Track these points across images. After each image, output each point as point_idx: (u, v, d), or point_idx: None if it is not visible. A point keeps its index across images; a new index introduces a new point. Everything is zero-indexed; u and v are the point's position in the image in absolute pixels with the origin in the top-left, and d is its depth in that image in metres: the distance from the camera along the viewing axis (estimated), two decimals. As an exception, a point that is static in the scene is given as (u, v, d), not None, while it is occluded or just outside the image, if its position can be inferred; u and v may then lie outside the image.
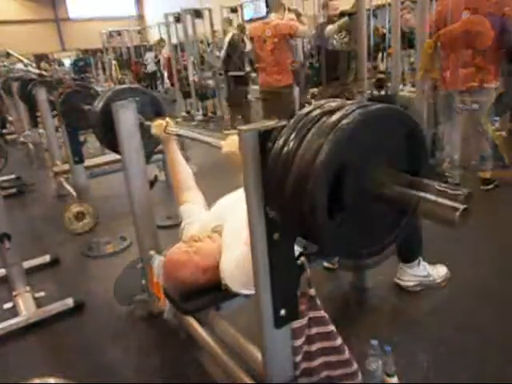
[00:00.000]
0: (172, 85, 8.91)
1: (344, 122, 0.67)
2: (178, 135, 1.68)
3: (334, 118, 0.70)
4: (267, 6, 16.53)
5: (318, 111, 0.75)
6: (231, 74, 5.99)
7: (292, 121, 0.77)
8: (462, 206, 0.62)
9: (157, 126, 1.74)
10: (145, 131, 1.84)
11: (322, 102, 0.79)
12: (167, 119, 1.75)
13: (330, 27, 4.18)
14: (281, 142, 0.76)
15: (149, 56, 10.51)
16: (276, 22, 3.92)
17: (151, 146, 2.01)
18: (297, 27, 3.90)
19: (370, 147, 0.71)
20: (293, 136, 0.74)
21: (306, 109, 0.78)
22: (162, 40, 9.76)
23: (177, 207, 1.76)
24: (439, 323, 1.84)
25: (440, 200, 0.65)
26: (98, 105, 1.91)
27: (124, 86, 2.07)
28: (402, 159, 0.77)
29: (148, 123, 1.82)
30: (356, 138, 0.68)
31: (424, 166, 0.79)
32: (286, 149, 0.73)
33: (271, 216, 0.81)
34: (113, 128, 1.73)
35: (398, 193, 0.70)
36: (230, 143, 1.18)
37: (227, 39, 6.01)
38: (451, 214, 0.63)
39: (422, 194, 0.67)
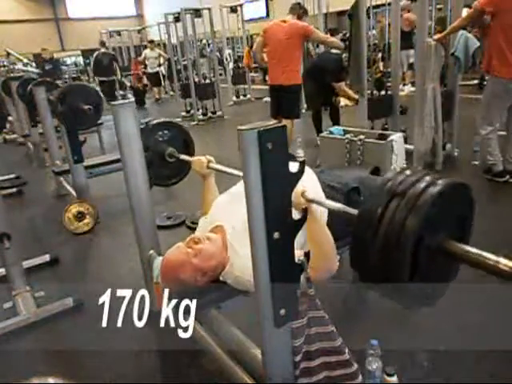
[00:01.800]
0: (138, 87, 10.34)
1: (421, 200, 0.78)
2: (220, 171, 1.68)
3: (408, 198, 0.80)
4: (267, 7, 16.59)
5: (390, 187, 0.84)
6: (100, 79, 9.22)
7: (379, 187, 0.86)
8: None
9: (197, 163, 1.77)
10: (176, 163, 1.99)
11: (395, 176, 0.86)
12: (207, 156, 1.78)
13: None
14: (364, 213, 0.86)
15: (149, 55, 10.48)
16: (293, 22, 3.97)
17: (181, 176, 2.13)
18: (313, 30, 3.98)
19: (438, 216, 0.81)
20: (373, 214, 0.82)
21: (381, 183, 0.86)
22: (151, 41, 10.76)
23: (180, 204, 1.76)
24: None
25: (501, 259, 0.81)
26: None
27: (156, 121, 2.11)
28: (456, 221, 0.89)
29: (184, 157, 1.91)
30: (431, 213, 0.79)
31: (469, 230, 0.92)
32: (369, 225, 0.82)
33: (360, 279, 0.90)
34: (152, 163, 1.85)
35: (461, 249, 0.82)
36: None
37: (94, 56, 9.26)
38: None
39: (482, 252, 0.80)
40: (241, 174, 1.39)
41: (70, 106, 3.02)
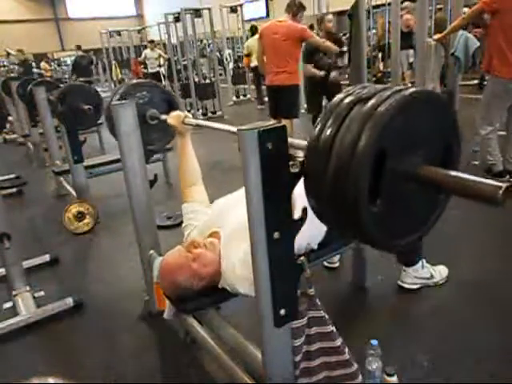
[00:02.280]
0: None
1: (381, 108, 0.67)
2: (197, 125, 1.66)
3: (370, 104, 0.69)
4: (267, 7, 16.58)
5: (350, 98, 0.73)
6: (81, 79, 9.72)
7: (326, 109, 0.76)
8: (504, 184, 0.64)
9: (174, 117, 1.72)
10: (159, 126, 1.89)
11: (353, 88, 0.77)
12: (185, 111, 1.75)
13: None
14: (317, 130, 0.75)
15: (149, 55, 10.48)
16: (290, 23, 3.94)
17: (166, 140, 2.03)
18: (311, 34, 3.98)
19: (406, 131, 0.71)
20: (330, 123, 0.72)
21: (339, 97, 0.76)
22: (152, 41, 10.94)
23: (180, 203, 1.77)
24: (439, 323, 1.84)
25: (480, 179, 0.66)
26: (113, 99, 1.93)
27: (137, 80, 2.06)
28: (436, 144, 0.77)
29: (164, 116, 1.81)
30: (393, 123, 0.68)
31: (456, 151, 0.79)
32: (322, 136, 0.72)
33: (310, 204, 0.78)
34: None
35: (437, 173, 0.71)
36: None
37: (72, 59, 10.54)
38: (494, 192, 0.63)
39: (462, 175, 0.69)
40: (218, 125, 1.38)
41: (70, 106, 3.03)
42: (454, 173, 0.70)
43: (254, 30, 8.14)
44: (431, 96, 0.74)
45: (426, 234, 0.83)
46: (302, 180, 0.93)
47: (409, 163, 0.72)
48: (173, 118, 1.73)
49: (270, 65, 4.14)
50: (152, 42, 10.83)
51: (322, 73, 4.35)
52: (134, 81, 2.02)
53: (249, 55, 7.94)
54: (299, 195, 1.00)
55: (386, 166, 0.69)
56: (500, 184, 0.65)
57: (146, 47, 11.49)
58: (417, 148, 0.73)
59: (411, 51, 6.89)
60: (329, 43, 4.11)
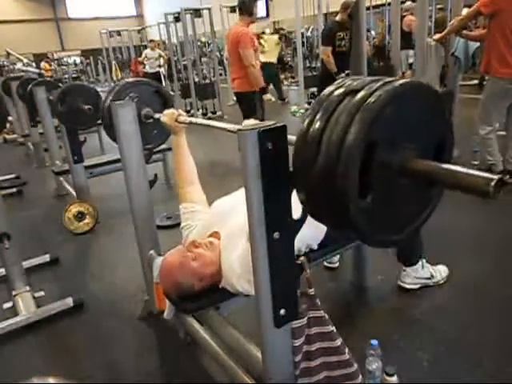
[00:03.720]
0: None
1: (370, 100, 0.66)
2: (191, 123, 1.63)
3: (360, 96, 0.67)
4: (267, 7, 16.54)
5: (340, 90, 0.72)
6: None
7: (315, 102, 0.74)
8: (496, 176, 0.63)
9: (168, 115, 1.70)
10: (154, 125, 1.86)
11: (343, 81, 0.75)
12: (179, 110, 1.73)
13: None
14: (306, 123, 0.73)
15: (150, 55, 10.48)
16: (236, 27, 3.85)
17: (161, 139, 2.00)
18: (246, 46, 3.69)
19: (397, 123, 0.70)
20: (318, 116, 0.70)
21: (328, 89, 0.75)
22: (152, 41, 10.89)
23: (178, 204, 1.76)
24: (439, 323, 1.84)
25: (472, 171, 0.65)
26: (107, 99, 1.92)
27: (130, 79, 2.03)
28: (428, 138, 0.76)
29: (158, 115, 1.79)
30: (382, 116, 0.66)
31: (449, 145, 0.77)
32: (311, 130, 0.71)
33: (300, 199, 0.76)
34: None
35: (428, 165, 0.70)
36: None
37: (20, 65, 10.34)
38: (486, 184, 0.62)
39: (453, 167, 0.67)
40: (213, 123, 1.37)
41: (70, 106, 3.02)
42: (444, 165, 0.69)
43: None
44: (421, 87, 0.73)
45: (419, 229, 0.80)
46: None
47: (400, 157, 0.70)
48: (166, 116, 1.71)
49: (231, 70, 4.08)
50: (152, 41, 10.83)
51: (335, 69, 4.39)
52: (129, 79, 2.00)
53: None
54: None
55: (375, 159, 0.67)
56: (492, 176, 0.63)
57: (146, 47, 11.48)
58: (409, 142, 0.72)
59: (411, 51, 6.89)
60: (254, 70, 3.80)
